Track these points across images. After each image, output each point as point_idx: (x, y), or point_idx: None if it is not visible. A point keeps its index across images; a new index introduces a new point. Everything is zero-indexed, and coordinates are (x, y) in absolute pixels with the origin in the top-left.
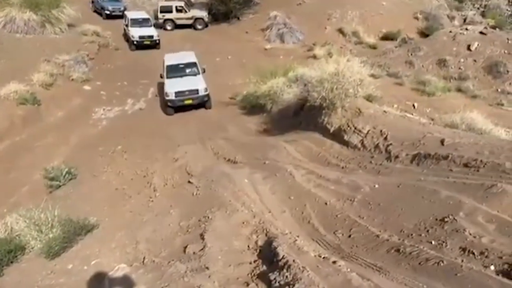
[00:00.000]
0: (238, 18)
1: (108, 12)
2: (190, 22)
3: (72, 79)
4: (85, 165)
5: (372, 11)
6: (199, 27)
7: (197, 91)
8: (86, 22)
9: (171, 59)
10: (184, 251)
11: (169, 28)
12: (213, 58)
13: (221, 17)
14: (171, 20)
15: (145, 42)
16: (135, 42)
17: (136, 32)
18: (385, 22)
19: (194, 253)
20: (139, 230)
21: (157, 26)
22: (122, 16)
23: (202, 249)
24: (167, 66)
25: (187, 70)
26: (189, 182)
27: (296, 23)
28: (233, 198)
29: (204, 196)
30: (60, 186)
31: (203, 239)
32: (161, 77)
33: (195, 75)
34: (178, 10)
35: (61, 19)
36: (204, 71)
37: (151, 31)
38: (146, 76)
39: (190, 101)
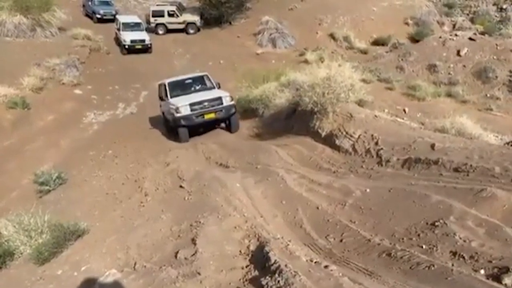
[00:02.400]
0: (230, 23)
1: (99, 16)
2: (182, 26)
3: (63, 83)
4: (76, 170)
5: (363, 17)
6: (191, 31)
7: (219, 100)
8: (77, 25)
9: (173, 78)
10: (176, 256)
11: (161, 32)
12: (205, 63)
13: (213, 21)
14: (163, 24)
15: (137, 46)
16: (126, 46)
17: (127, 36)
18: (376, 27)
19: (185, 258)
20: (130, 235)
21: (149, 30)
22: (113, 20)
23: (193, 254)
24: (170, 84)
25: (197, 86)
26: (180, 186)
27: (287, 28)
28: (225, 202)
29: (196, 200)
30: (50, 190)
31: (194, 244)
32: (161, 99)
33: (210, 89)
34: (170, 15)
35: (52, 23)
36: (219, 86)
37: (143, 35)
38: (138, 80)
39: (212, 115)
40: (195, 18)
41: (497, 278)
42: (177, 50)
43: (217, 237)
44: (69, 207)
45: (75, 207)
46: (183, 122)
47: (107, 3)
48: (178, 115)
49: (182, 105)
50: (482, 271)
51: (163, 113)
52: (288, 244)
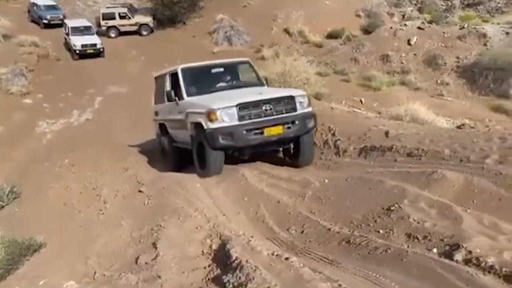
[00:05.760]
0: (184, 23)
1: (46, 21)
2: (134, 28)
3: (11, 93)
4: (30, 182)
5: (316, 11)
6: (145, 33)
7: (291, 101)
8: (22, 32)
9: (191, 63)
10: (136, 262)
11: (113, 35)
12: (161, 64)
13: (167, 22)
14: (115, 27)
15: (89, 51)
16: (77, 51)
17: (78, 41)
18: (329, 21)
19: (146, 263)
20: (89, 245)
21: (100, 34)
22: (61, 25)
23: (154, 258)
24: (185, 71)
25: (234, 81)
26: (139, 191)
27: (242, 25)
28: (185, 204)
29: (156, 204)
30: (3, 206)
31: (155, 248)
32: (162, 100)
33: (256, 86)
34: (121, 17)
35: None
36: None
37: (94, 39)
38: (92, 86)
39: (278, 130)
40: (148, 19)
41: (449, 255)
42: (131, 52)
43: (178, 239)
44: (25, 221)
45: (30, 221)
46: (222, 141)
47: (54, 8)
48: (213, 125)
49: (222, 106)
50: (435, 250)
51: (161, 125)
52: (250, 240)
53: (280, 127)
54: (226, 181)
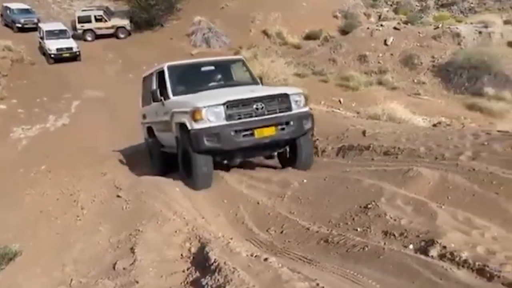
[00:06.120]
0: (162, 25)
1: (19, 25)
2: (111, 31)
3: None
4: (5, 190)
5: (293, 12)
6: (122, 36)
7: (285, 100)
8: None
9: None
10: (114, 268)
11: (89, 39)
12: (139, 67)
13: (144, 24)
14: (91, 30)
15: (64, 55)
16: (52, 55)
17: (53, 45)
18: (307, 22)
19: (124, 268)
20: (66, 252)
21: (76, 37)
22: (35, 29)
23: (132, 263)
24: (172, 69)
25: (225, 80)
26: (118, 196)
27: (221, 27)
28: (164, 208)
29: (134, 209)
30: None
31: (133, 253)
32: (149, 101)
33: (248, 85)
34: (97, 20)
35: None
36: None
37: (69, 42)
38: (68, 90)
39: (271, 132)
40: (125, 22)
41: (424, 251)
42: (108, 56)
43: (157, 243)
44: (0, 230)
45: (6, 229)
46: (207, 143)
47: (28, 11)
48: (198, 126)
49: (208, 104)
50: (411, 246)
51: (149, 129)
52: (229, 242)
53: (273, 128)
54: None
